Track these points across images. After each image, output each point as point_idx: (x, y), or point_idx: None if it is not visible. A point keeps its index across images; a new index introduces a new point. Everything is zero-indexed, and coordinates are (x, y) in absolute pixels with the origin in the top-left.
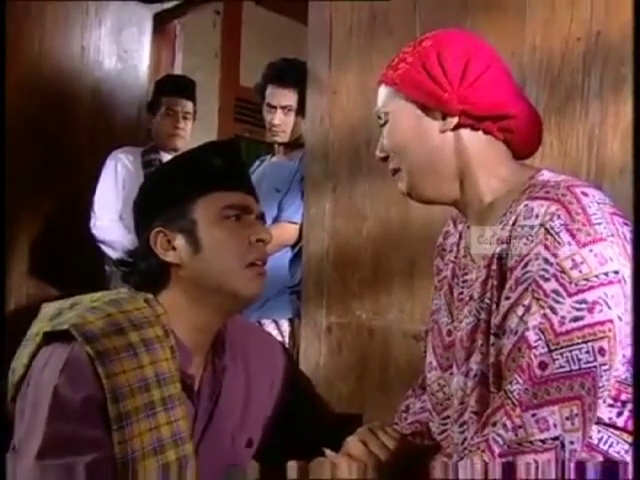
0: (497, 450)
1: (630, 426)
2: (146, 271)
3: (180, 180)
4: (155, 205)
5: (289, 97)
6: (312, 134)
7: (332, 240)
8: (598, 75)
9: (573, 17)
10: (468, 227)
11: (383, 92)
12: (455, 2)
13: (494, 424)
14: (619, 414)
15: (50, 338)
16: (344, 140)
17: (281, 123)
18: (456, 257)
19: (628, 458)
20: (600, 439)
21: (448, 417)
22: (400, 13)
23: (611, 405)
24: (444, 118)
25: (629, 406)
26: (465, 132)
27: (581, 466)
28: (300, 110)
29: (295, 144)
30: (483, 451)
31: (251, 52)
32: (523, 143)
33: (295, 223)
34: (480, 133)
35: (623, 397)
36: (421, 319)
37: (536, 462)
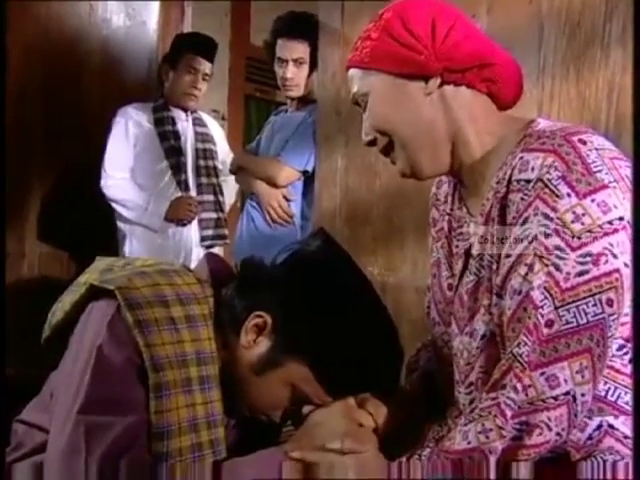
0: (509, 413)
1: None
2: None
3: None
4: None
5: (300, 49)
6: (324, 90)
7: (344, 196)
8: (621, 20)
9: None
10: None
11: (355, 76)
12: None
13: (503, 387)
14: (631, 361)
15: (95, 292)
16: None
17: (294, 76)
18: (451, 209)
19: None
20: (607, 390)
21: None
22: None
23: (622, 346)
24: (426, 81)
25: None
26: (449, 90)
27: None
28: (313, 64)
29: (308, 99)
30: (495, 415)
31: (261, 11)
32: (506, 92)
33: (289, 166)
34: (463, 88)
35: None
36: None
37: (549, 419)
